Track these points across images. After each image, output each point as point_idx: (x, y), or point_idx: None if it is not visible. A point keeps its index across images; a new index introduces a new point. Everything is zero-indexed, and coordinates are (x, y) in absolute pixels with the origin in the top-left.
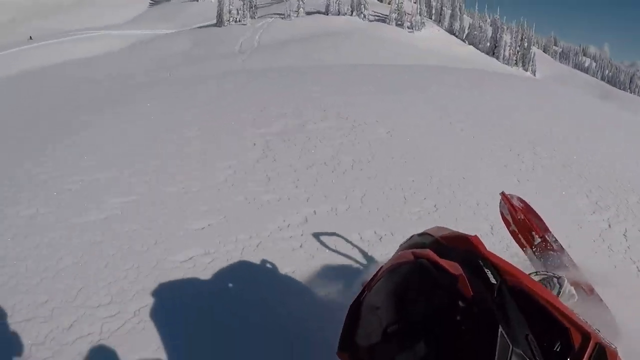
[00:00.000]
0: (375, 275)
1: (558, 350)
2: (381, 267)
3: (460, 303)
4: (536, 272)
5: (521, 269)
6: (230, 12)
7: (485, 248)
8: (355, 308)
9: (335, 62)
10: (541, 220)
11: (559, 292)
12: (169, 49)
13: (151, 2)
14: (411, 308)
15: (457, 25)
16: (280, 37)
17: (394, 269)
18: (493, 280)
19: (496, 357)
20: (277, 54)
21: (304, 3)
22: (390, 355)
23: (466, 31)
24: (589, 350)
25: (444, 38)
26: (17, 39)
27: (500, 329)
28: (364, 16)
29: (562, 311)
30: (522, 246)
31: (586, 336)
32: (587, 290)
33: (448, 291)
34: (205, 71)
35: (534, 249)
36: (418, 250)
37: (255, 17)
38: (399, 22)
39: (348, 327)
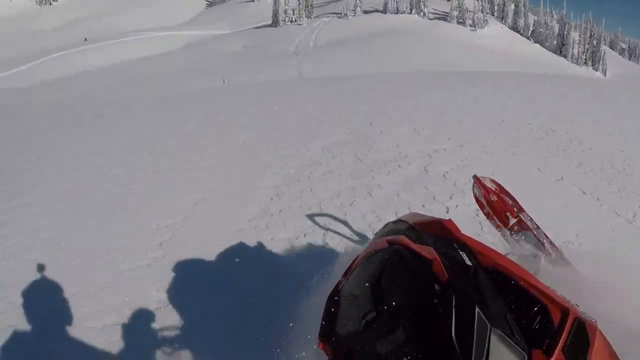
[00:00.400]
0: (351, 264)
1: (537, 327)
2: (357, 256)
3: (436, 286)
4: (511, 253)
5: (497, 250)
6: (285, 12)
7: (459, 231)
8: (334, 297)
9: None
10: (515, 200)
11: (536, 271)
12: (223, 50)
13: (207, 3)
14: (388, 295)
15: (521, 23)
16: (336, 37)
17: (369, 256)
18: (468, 262)
19: (474, 337)
20: (334, 55)
21: (361, 2)
22: (370, 343)
23: (531, 28)
24: (568, 325)
25: (508, 36)
26: (72, 40)
27: (477, 310)
28: (424, 14)
29: (539, 288)
30: (497, 227)
31: (565, 311)
32: (564, 266)
33: (423, 275)
34: (261, 74)
35: (509, 230)
36: (392, 237)
37: (312, 16)
38: (461, 20)
39: (327, 317)
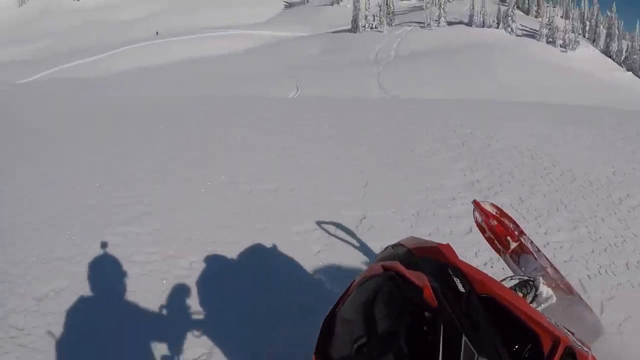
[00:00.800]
0: (348, 288)
1: (527, 355)
2: (354, 280)
3: (426, 314)
4: (511, 277)
5: (491, 276)
6: (366, 17)
7: (455, 257)
8: (329, 320)
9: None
10: (516, 224)
11: (535, 295)
12: (300, 52)
13: (286, 4)
14: (379, 320)
15: (614, 47)
16: (418, 48)
17: (364, 282)
18: (462, 289)
19: None
20: (417, 69)
21: (445, 12)
22: None
23: (624, 54)
24: (558, 354)
25: (599, 60)
26: (146, 34)
27: (464, 338)
28: (511, 30)
29: (531, 316)
30: (498, 252)
31: (556, 340)
32: (566, 290)
33: (414, 302)
34: (339, 84)
35: (510, 254)
36: (387, 263)
37: (393, 24)
38: (550, 39)
39: (322, 339)
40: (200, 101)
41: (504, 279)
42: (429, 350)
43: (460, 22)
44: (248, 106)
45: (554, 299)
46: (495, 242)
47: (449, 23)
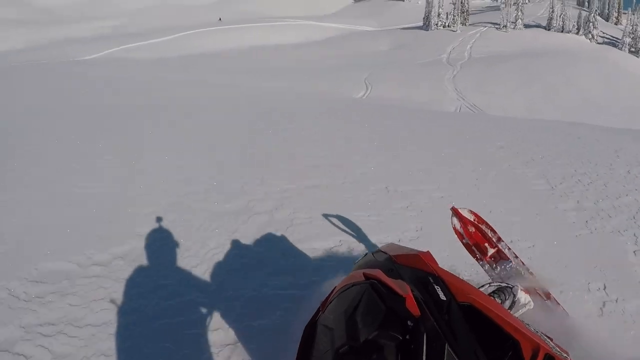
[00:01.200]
0: (329, 295)
1: None
2: (335, 287)
3: (408, 322)
4: (490, 283)
5: (471, 283)
6: (439, 15)
7: (436, 265)
8: (310, 328)
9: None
10: (493, 230)
11: (513, 301)
12: (368, 48)
13: None
14: (361, 329)
15: None
16: (494, 50)
17: (346, 289)
18: (443, 297)
19: None
20: (494, 74)
21: (522, 13)
22: None
23: None
24: None
25: None
26: (209, 19)
27: (447, 346)
28: (592, 37)
29: (511, 324)
30: (476, 258)
31: (535, 347)
32: (543, 296)
33: (396, 311)
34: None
35: (488, 260)
36: (368, 271)
37: (467, 24)
38: (633, 49)
39: (303, 348)
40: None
41: (482, 286)
42: (411, 359)
43: (538, 25)
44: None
45: (532, 304)
46: (473, 248)
47: (526, 26)
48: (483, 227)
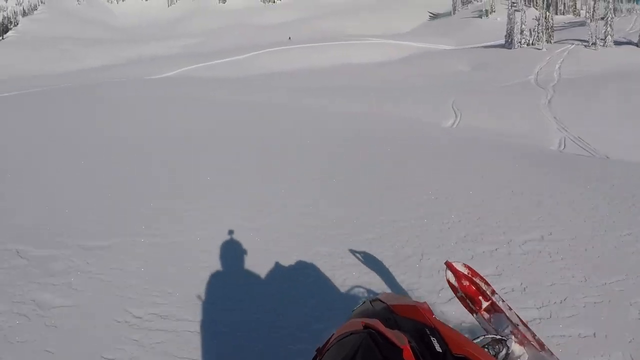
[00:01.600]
0: (327, 342)
1: None
2: (333, 334)
3: None
4: (484, 335)
5: (467, 336)
6: (522, 32)
7: (432, 316)
8: None
9: None
10: (488, 284)
11: (507, 354)
12: (448, 67)
13: (431, 15)
14: None
15: None
16: (586, 70)
17: (344, 337)
18: (439, 349)
19: None
20: (592, 98)
21: (612, 29)
22: None
23: None
24: None
25: None
26: (279, 39)
27: None
28: None
29: None
30: (470, 311)
31: None
32: (538, 347)
33: None
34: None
35: (482, 312)
36: (367, 320)
37: (552, 41)
38: None
39: None
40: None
41: (476, 338)
42: None
43: (629, 42)
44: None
45: (526, 356)
46: (468, 301)
47: (616, 43)
48: (477, 280)
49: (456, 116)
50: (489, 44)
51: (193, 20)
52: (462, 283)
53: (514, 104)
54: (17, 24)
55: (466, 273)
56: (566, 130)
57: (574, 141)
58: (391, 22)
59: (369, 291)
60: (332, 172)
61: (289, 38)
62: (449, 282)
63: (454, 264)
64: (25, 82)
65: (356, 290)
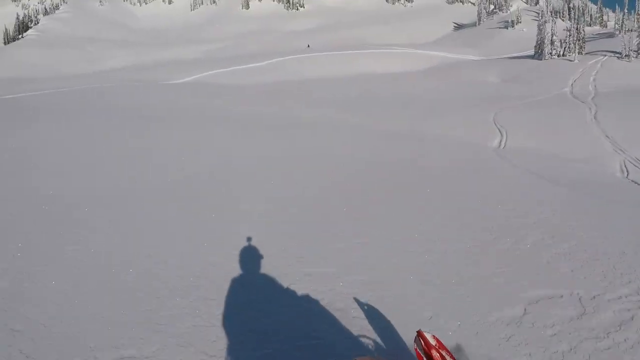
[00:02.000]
0: None
1: None
2: None
3: None
4: None
5: None
6: (552, 43)
7: None
8: None
9: None
10: (453, 357)
11: None
12: (477, 78)
13: (455, 25)
14: None
15: None
16: (621, 83)
17: None
18: None
19: None
20: (636, 115)
21: None
22: None
23: None
24: None
25: None
26: (302, 46)
27: None
28: None
29: None
30: None
31: None
32: None
33: None
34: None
35: None
36: None
37: (583, 52)
38: None
39: None
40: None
41: None
42: None
43: None
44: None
45: None
46: None
47: None
48: (443, 352)
49: (502, 135)
50: (517, 54)
51: (215, 25)
52: (431, 353)
53: (560, 120)
54: (38, 22)
55: (434, 344)
56: (624, 152)
57: (635, 165)
58: (416, 32)
59: None
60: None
61: (308, 46)
62: (416, 350)
63: (425, 334)
64: (33, 84)
65: None
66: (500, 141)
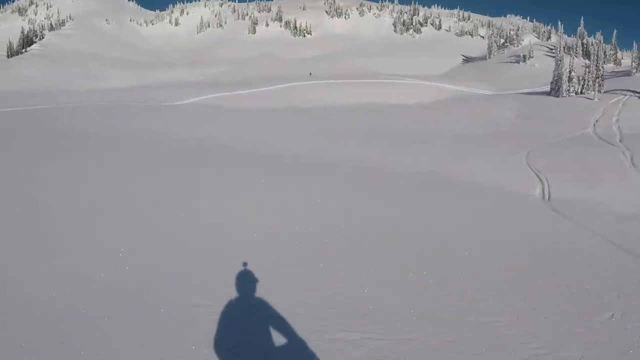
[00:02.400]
0: None
1: None
2: None
3: None
4: None
5: None
6: (570, 79)
7: None
8: None
9: None
10: None
11: None
12: (493, 114)
13: (465, 58)
14: None
15: None
16: None
17: None
18: None
19: None
20: None
21: None
22: None
23: None
24: None
25: None
26: (306, 73)
27: None
28: None
29: None
30: None
31: None
32: None
33: None
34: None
35: None
36: None
37: (601, 90)
38: None
39: None
40: None
41: None
42: None
43: None
44: None
45: None
46: None
47: None
48: None
49: (541, 181)
50: (531, 90)
51: (221, 48)
52: None
53: (596, 163)
54: (43, 37)
55: None
56: None
57: None
58: (423, 63)
59: None
60: None
61: (310, 74)
62: None
63: None
64: (22, 99)
65: None
66: (543, 190)
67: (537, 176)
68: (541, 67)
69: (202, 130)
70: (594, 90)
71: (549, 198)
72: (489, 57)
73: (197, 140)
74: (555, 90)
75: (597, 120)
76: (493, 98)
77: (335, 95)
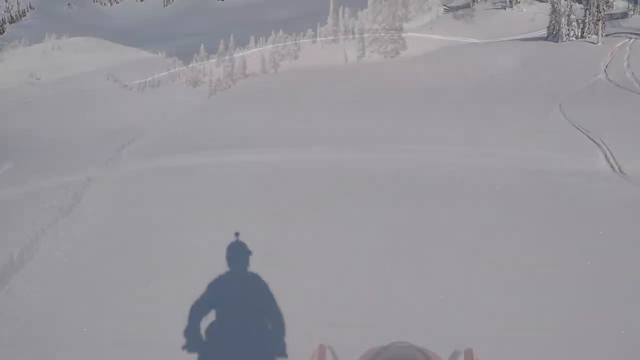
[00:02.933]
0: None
1: None
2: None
3: None
4: None
5: None
6: (570, 23)
7: None
8: None
9: None
10: None
11: None
12: (491, 64)
13: (445, 7)
14: None
15: None
16: None
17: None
18: None
19: None
20: None
21: None
22: None
23: None
24: None
25: None
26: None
27: None
28: None
29: None
30: None
31: None
32: None
33: None
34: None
35: None
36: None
37: (603, 34)
38: None
39: None
40: None
41: None
42: None
43: None
44: None
45: None
46: None
47: None
48: None
49: (606, 157)
50: (525, 36)
51: (190, 19)
52: None
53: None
54: (3, 32)
55: None
56: None
57: None
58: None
59: None
60: None
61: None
62: None
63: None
64: None
65: None
66: (610, 165)
67: (593, 141)
68: (528, 12)
69: None
70: (596, 34)
71: (619, 169)
72: (472, 5)
73: None
74: (553, 35)
75: (607, 66)
76: (486, 47)
77: (318, 53)
